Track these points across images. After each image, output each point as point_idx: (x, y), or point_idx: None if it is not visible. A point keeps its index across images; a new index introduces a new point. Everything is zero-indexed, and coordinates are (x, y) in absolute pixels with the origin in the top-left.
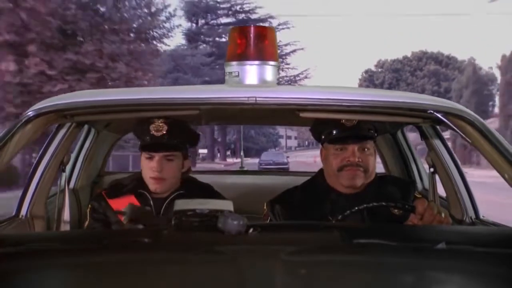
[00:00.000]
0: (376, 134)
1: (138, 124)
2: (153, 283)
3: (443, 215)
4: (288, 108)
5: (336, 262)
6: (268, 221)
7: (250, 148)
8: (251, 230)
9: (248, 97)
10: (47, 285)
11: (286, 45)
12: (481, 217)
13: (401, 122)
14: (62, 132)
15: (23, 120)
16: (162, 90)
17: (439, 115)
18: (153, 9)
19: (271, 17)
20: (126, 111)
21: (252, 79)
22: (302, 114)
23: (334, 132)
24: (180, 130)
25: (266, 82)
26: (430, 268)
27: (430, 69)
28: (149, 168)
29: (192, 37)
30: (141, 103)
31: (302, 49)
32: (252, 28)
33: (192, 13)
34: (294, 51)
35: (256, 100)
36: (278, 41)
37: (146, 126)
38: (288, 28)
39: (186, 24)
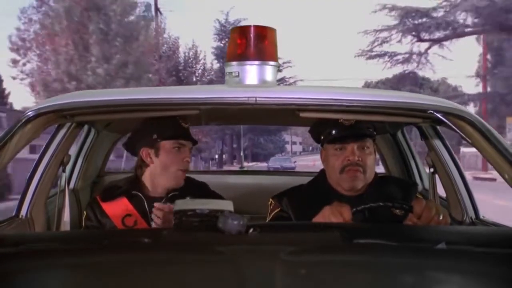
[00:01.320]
0: (375, 133)
1: (160, 118)
2: (153, 283)
3: (441, 217)
4: (288, 108)
5: (336, 262)
6: (277, 212)
7: (259, 154)
8: (251, 230)
9: (248, 97)
10: (47, 285)
11: (289, 78)
12: (481, 217)
13: (401, 122)
14: (62, 132)
15: (23, 120)
16: (162, 90)
17: (439, 115)
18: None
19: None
20: (126, 111)
21: (252, 79)
22: (302, 114)
23: (333, 132)
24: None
25: (266, 82)
26: (430, 268)
27: (406, 89)
28: (180, 159)
29: (221, 75)
30: (141, 103)
31: (301, 80)
32: (252, 28)
33: (221, 56)
34: (295, 82)
35: (256, 100)
36: (283, 76)
37: (172, 119)
38: (290, 66)
39: (216, 64)
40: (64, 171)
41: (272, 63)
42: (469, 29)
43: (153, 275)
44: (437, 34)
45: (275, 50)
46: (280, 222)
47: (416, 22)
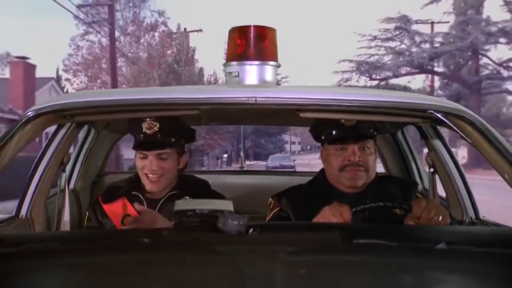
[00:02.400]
0: (376, 133)
1: (131, 124)
2: (153, 283)
3: (440, 218)
4: (288, 108)
5: (336, 262)
6: (277, 211)
7: (260, 153)
8: (251, 230)
9: (248, 97)
10: (47, 285)
11: None
12: (481, 217)
13: (401, 122)
14: (62, 132)
15: (23, 120)
16: (162, 90)
17: (439, 115)
18: None
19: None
20: (126, 111)
21: (252, 79)
22: (302, 114)
23: (334, 132)
24: (172, 127)
25: (266, 82)
26: (430, 268)
27: None
28: (144, 167)
29: None
30: (141, 103)
31: None
32: (252, 28)
33: None
34: None
35: (256, 100)
36: None
37: (139, 125)
38: (287, 81)
39: None
40: (64, 171)
41: (272, 63)
42: (404, 72)
43: (153, 275)
44: (383, 75)
45: (275, 50)
46: (280, 222)
47: (367, 67)
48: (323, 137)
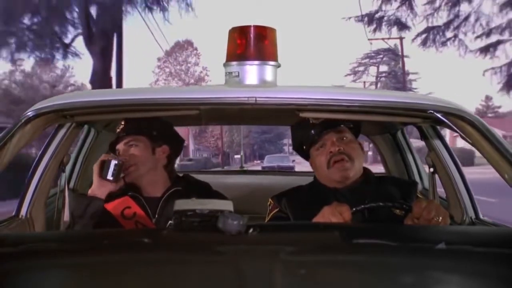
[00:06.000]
0: (351, 125)
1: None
2: (153, 283)
3: (440, 219)
4: (288, 108)
5: (336, 262)
6: (276, 212)
7: (264, 154)
8: (251, 230)
9: (248, 97)
10: (47, 285)
11: None
12: (481, 217)
13: (401, 122)
14: (62, 132)
15: (23, 120)
16: (162, 90)
17: (439, 115)
18: None
19: None
20: (126, 111)
21: (252, 79)
22: (302, 114)
23: (310, 133)
24: (138, 119)
25: (266, 82)
26: (430, 268)
27: None
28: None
29: None
30: (141, 103)
31: None
32: (252, 28)
33: None
34: None
35: (256, 100)
36: None
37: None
38: None
39: None
40: (64, 171)
41: (272, 63)
42: None
43: (153, 275)
44: None
45: (275, 50)
46: (280, 222)
47: None
48: (304, 147)
